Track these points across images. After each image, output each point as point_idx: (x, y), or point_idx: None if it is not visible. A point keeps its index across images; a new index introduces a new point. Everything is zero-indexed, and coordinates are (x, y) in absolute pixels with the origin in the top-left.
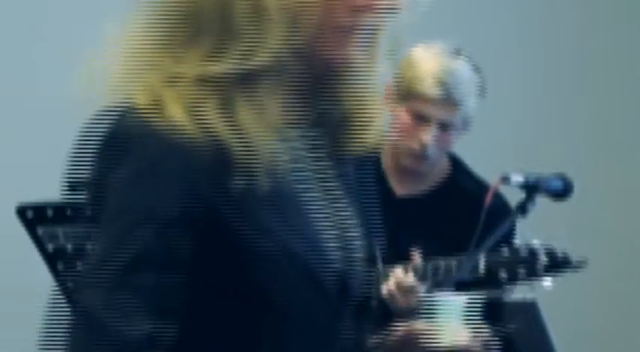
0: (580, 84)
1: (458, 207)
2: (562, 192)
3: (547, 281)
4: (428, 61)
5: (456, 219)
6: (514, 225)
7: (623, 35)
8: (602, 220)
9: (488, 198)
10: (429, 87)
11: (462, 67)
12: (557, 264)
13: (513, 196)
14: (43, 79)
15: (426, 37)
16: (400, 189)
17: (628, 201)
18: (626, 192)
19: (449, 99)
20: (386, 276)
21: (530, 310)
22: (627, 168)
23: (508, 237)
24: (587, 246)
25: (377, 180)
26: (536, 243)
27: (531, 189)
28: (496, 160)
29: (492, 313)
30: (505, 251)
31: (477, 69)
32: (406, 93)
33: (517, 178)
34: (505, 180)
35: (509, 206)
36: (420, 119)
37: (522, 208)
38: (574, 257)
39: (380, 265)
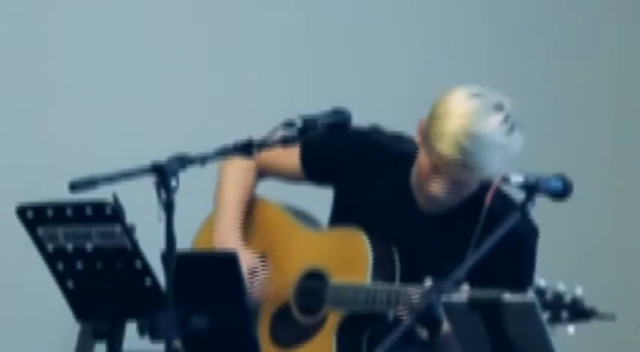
0: (580, 84)
1: (479, 224)
2: (562, 192)
3: (571, 328)
4: (457, 117)
5: (477, 236)
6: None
7: (624, 35)
8: (602, 220)
9: (488, 199)
10: (446, 148)
11: (492, 130)
12: (584, 314)
13: (513, 196)
14: (41, 78)
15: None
16: (424, 204)
17: (628, 201)
18: (626, 192)
19: (465, 163)
20: (404, 295)
21: (529, 310)
22: (627, 168)
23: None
24: (587, 245)
25: (402, 191)
26: (561, 288)
27: (531, 189)
28: None
29: (492, 313)
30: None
31: (513, 127)
32: (429, 141)
33: (517, 178)
34: (505, 180)
35: (513, 205)
36: (435, 169)
37: (522, 208)
38: (600, 310)
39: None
